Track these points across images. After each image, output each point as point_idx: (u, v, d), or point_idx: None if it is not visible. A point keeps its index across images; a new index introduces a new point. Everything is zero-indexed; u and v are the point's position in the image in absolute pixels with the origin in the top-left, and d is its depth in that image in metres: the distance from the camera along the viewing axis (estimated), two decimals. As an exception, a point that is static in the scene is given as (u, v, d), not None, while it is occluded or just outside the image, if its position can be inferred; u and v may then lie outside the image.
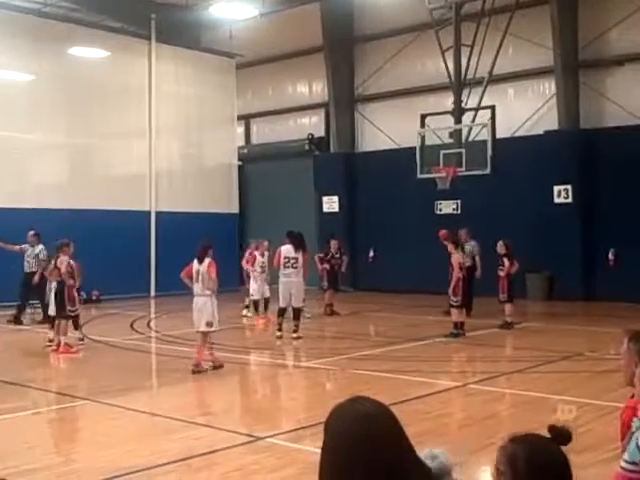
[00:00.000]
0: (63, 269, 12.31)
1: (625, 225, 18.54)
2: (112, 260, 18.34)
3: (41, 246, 15.94)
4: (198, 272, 10.74)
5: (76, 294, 12.82)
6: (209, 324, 10.63)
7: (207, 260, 10.77)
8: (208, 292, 10.71)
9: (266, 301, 16.62)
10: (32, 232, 16.08)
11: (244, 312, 17.14)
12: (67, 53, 20.85)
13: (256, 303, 16.85)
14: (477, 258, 16.28)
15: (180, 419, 8.03)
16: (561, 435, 2.25)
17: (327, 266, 17.35)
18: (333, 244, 17.93)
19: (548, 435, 2.25)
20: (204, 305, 10.67)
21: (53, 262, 12.66)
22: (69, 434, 7.65)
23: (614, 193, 18.79)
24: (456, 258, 13.89)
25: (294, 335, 13.56)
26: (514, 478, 2.18)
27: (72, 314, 12.59)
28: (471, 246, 16.24)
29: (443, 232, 15.96)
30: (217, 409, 8.65)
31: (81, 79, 20.91)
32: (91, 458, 6.62)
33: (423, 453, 2.06)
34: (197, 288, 10.78)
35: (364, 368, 10.74)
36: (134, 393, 9.66)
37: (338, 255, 17.83)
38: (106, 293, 20.15)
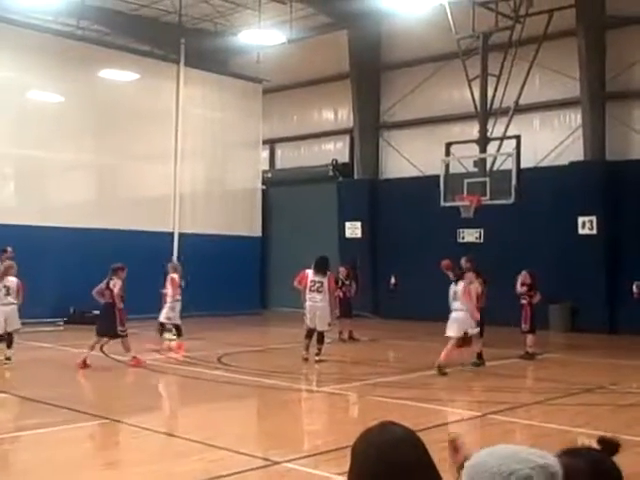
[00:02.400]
0: (116, 291, 12.78)
1: (650, 258, 18.37)
2: (134, 280, 18.35)
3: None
4: None
5: (124, 315, 13.16)
6: None
7: None
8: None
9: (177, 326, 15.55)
10: (10, 249, 15.52)
11: (167, 336, 15.79)
12: (97, 75, 21.21)
13: (178, 327, 15.50)
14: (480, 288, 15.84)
15: (197, 440, 8.01)
16: (611, 445, 2.29)
17: (340, 293, 17.25)
18: (342, 271, 17.89)
19: (598, 447, 2.28)
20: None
21: (105, 283, 13.00)
22: (85, 453, 7.67)
23: (638, 225, 18.64)
24: (474, 288, 13.76)
25: (317, 358, 13.59)
26: None
27: (123, 334, 12.99)
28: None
29: (445, 262, 15.87)
30: (234, 432, 8.63)
31: (110, 101, 21.23)
32: (106, 478, 6.63)
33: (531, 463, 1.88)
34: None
35: (383, 395, 10.67)
36: (152, 413, 9.68)
37: (348, 282, 17.79)
38: (128, 313, 20.20)
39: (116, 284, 12.86)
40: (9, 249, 15.60)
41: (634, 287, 18.75)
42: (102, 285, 13.06)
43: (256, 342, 17.09)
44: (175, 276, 15.50)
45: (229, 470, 6.74)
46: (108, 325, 12.86)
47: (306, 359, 13.61)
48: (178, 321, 15.37)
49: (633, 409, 8.92)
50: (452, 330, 12.82)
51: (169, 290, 15.38)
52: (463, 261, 14.73)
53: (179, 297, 15.37)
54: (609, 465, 2.23)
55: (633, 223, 18.79)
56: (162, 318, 15.50)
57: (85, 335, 17.64)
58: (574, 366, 14.12)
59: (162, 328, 15.72)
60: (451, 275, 15.49)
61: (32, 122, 19.71)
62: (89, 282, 19.40)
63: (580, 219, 19.42)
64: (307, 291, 13.83)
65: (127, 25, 23.78)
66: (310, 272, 13.94)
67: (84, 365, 12.50)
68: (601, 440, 2.29)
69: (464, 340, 13.12)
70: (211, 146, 23.94)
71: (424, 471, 1.92)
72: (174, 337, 15.48)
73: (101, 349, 13.34)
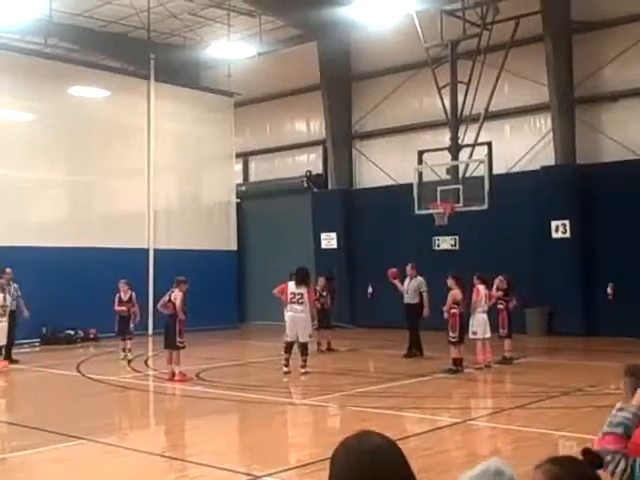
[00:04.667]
0: (178, 303, 13.16)
1: (623, 259, 18.56)
2: (110, 298, 18.30)
3: (15, 285, 15.99)
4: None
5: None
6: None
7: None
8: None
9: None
10: (9, 270, 15.88)
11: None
12: (67, 93, 21.09)
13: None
14: (425, 295, 15.73)
15: (178, 458, 7.94)
16: (595, 458, 2.38)
17: (318, 305, 17.25)
18: (319, 282, 17.92)
19: (581, 458, 2.35)
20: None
21: (168, 296, 13.35)
22: (63, 474, 7.56)
23: (612, 227, 18.84)
24: (453, 294, 13.85)
25: (302, 370, 13.59)
26: None
27: (181, 345, 13.29)
28: (417, 282, 15.82)
29: (392, 270, 16.02)
30: (214, 447, 8.56)
31: (81, 118, 21.09)
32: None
33: (483, 466, 2.04)
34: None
35: (364, 405, 10.66)
36: (131, 432, 9.59)
37: (325, 293, 17.81)
38: (104, 331, 20.05)
39: (177, 296, 13.24)
40: (8, 270, 15.86)
41: (609, 289, 18.93)
42: (165, 298, 13.48)
43: (235, 356, 17.00)
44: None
45: (211, 487, 6.68)
46: (170, 337, 13.33)
47: (287, 372, 13.55)
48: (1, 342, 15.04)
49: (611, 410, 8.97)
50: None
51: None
52: (409, 268, 16.01)
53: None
54: (590, 478, 2.27)
55: (606, 225, 18.99)
56: None
57: (59, 355, 17.56)
58: (552, 369, 14.21)
59: None
60: (398, 284, 15.80)
61: (2, 141, 19.54)
62: (63, 301, 19.38)
63: (554, 223, 19.60)
64: (288, 303, 13.83)
65: (96, 42, 23.69)
66: (291, 284, 13.94)
67: (182, 378, 13.03)
68: (585, 452, 2.32)
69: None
70: (184, 161, 23.85)
71: (403, 478, 1.91)
72: None
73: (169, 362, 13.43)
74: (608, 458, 2.62)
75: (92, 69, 21.94)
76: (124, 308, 15.95)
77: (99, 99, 21.70)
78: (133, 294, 16.07)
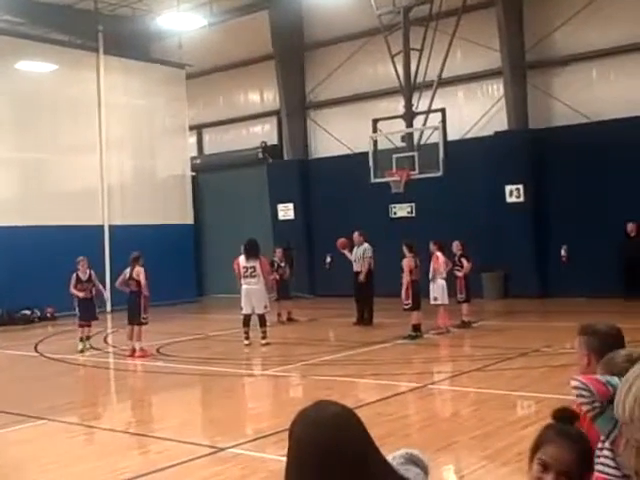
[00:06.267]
0: (143, 280, 13.03)
1: (576, 221, 18.87)
2: (66, 276, 18.07)
3: None
4: None
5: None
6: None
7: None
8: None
9: None
10: None
11: None
12: (13, 68, 20.54)
13: None
14: (367, 262, 15.92)
15: (141, 434, 7.93)
16: (568, 413, 2.49)
17: (276, 276, 17.28)
18: (277, 253, 17.92)
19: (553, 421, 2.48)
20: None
21: (127, 273, 13.19)
22: (27, 454, 7.50)
23: (564, 190, 19.12)
24: (407, 262, 13.96)
25: (263, 342, 13.63)
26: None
27: (144, 321, 13.22)
28: (363, 249, 16.05)
29: (341, 240, 16.21)
30: (178, 422, 8.57)
31: (29, 94, 20.61)
32: (52, 479, 6.50)
33: (399, 453, 2.08)
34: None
35: (325, 374, 10.74)
36: (94, 410, 9.54)
37: (283, 264, 17.83)
38: (61, 310, 19.81)
39: (140, 272, 13.10)
40: None
41: (562, 251, 19.27)
42: (125, 275, 13.28)
43: (195, 330, 16.96)
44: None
45: (174, 460, 6.70)
46: (134, 313, 13.16)
47: (248, 344, 13.58)
48: None
49: (567, 369, 9.17)
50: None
51: None
52: (355, 236, 16.18)
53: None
54: (581, 436, 2.43)
55: (558, 188, 19.26)
56: None
57: (16, 336, 17.33)
58: (509, 332, 14.47)
59: None
60: (347, 254, 15.94)
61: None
62: (17, 282, 19.07)
63: (507, 187, 19.82)
64: (242, 277, 13.82)
65: (41, 14, 23.05)
66: (242, 258, 13.91)
67: (143, 354, 12.91)
68: (556, 413, 2.42)
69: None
70: (137, 135, 23.50)
71: (362, 447, 1.93)
72: None
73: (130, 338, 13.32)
74: (585, 394, 2.68)
75: (38, 43, 21.36)
76: (84, 289, 13.99)
77: (47, 74, 21.19)
78: (92, 272, 14.45)
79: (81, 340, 13.88)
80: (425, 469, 2.10)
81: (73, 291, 14.07)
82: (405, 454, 2.10)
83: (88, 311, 14.04)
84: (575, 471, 2.41)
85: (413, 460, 2.10)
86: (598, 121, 18.67)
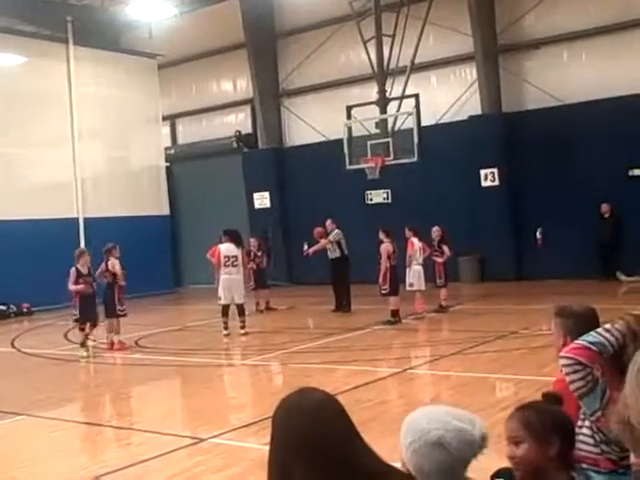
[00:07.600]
0: (118, 270, 12.92)
1: (550, 204, 19.01)
2: (42, 271, 17.92)
3: None
4: None
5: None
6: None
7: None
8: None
9: None
10: None
11: None
12: (-19, 60, 20.25)
13: None
14: (327, 240, 16.20)
15: (121, 427, 7.90)
16: (555, 397, 2.60)
17: (253, 265, 17.27)
18: (253, 242, 17.90)
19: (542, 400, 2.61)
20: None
21: (104, 265, 13.04)
22: (6, 450, 7.44)
23: (538, 173, 19.24)
24: (385, 247, 14.00)
25: (242, 331, 13.64)
26: (534, 440, 2.48)
27: (121, 313, 13.08)
28: (333, 234, 16.17)
29: (318, 230, 16.44)
30: (158, 413, 8.54)
31: (-3, 87, 20.32)
32: (32, 474, 6.46)
33: (462, 415, 2.11)
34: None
35: (304, 361, 10.77)
36: (72, 404, 9.48)
37: (260, 253, 17.82)
38: (38, 305, 19.67)
39: (114, 263, 12.97)
40: None
41: (537, 234, 19.41)
42: (102, 267, 13.11)
43: (172, 322, 16.90)
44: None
45: (156, 452, 6.68)
46: (110, 306, 13.02)
47: (227, 334, 13.57)
48: None
49: (544, 350, 9.27)
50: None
51: None
52: (328, 223, 16.32)
53: None
54: (559, 414, 2.59)
55: (532, 171, 19.37)
56: None
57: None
58: (487, 315, 14.57)
59: None
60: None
61: None
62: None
63: (482, 172, 19.91)
64: (222, 266, 13.77)
65: (8, 5, 22.69)
66: (223, 247, 13.87)
67: (121, 346, 12.87)
68: (545, 395, 2.57)
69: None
70: (109, 126, 23.25)
71: (345, 431, 1.94)
72: None
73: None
74: (578, 368, 2.71)
75: (6, 34, 21.06)
76: (86, 284, 12.64)
77: (16, 66, 20.90)
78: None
79: (82, 345, 12.49)
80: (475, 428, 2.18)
81: (73, 287, 12.60)
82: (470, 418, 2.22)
83: (91, 309, 12.70)
84: (523, 437, 2.51)
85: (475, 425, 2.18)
86: (570, 103, 18.79)
